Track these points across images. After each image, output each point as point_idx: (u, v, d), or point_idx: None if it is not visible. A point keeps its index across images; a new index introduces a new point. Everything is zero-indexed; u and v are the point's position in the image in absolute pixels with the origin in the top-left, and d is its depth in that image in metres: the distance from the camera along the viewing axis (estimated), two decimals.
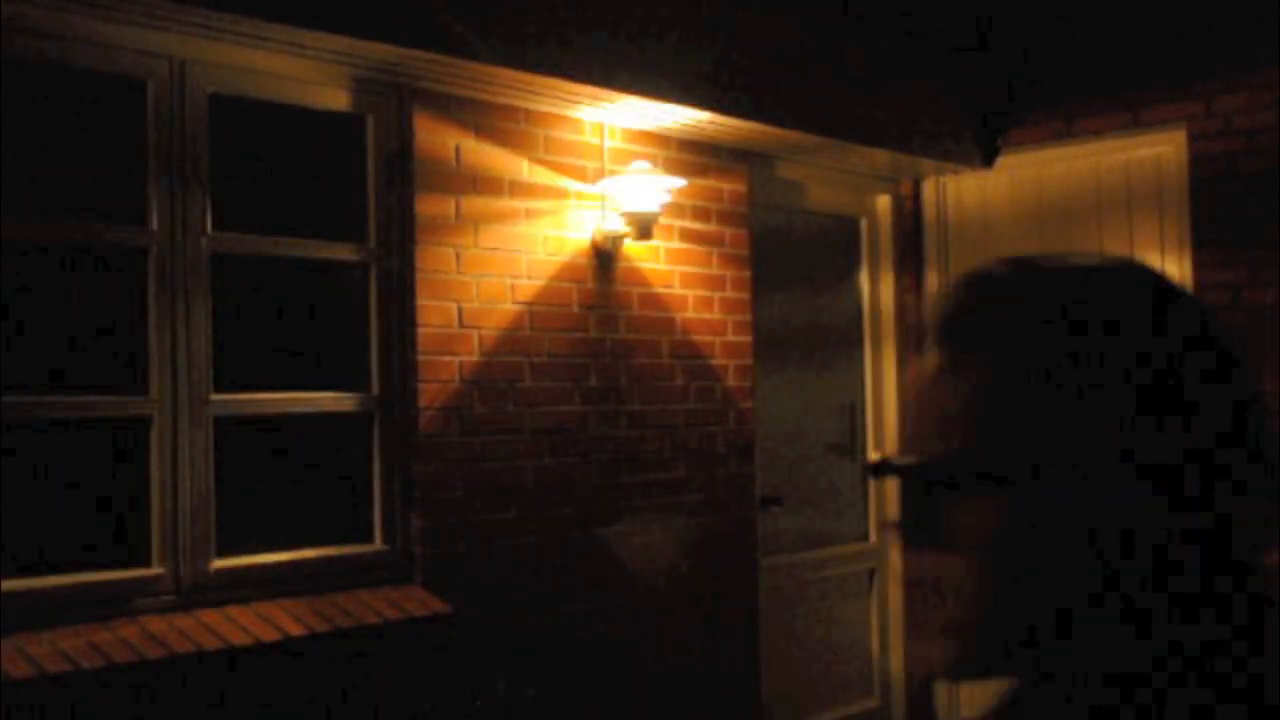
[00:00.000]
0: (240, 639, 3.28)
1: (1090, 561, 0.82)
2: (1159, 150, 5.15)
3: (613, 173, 4.36)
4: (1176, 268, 5.09)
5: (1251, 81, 4.85)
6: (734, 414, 4.89)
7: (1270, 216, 4.80)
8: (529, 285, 4.17)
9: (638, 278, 4.53)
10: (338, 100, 3.81)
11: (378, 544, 3.85)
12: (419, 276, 3.88)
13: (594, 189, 4.35)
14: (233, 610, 3.43)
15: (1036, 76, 5.48)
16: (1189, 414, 0.82)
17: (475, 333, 4.02)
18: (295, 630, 3.38)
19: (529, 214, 4.18)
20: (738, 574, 4.88)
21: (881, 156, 5.35)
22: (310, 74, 3.71)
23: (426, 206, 3.91)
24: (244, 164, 3.67)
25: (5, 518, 3.14)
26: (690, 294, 4.72)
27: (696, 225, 4.76)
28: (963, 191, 5.76)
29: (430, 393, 3.89)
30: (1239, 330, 5.01)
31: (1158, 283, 0.88)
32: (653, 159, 4.47)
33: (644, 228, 4.32)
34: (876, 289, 5.86)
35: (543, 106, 4.20)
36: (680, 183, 4.44)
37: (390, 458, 3.87)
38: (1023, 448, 0.84)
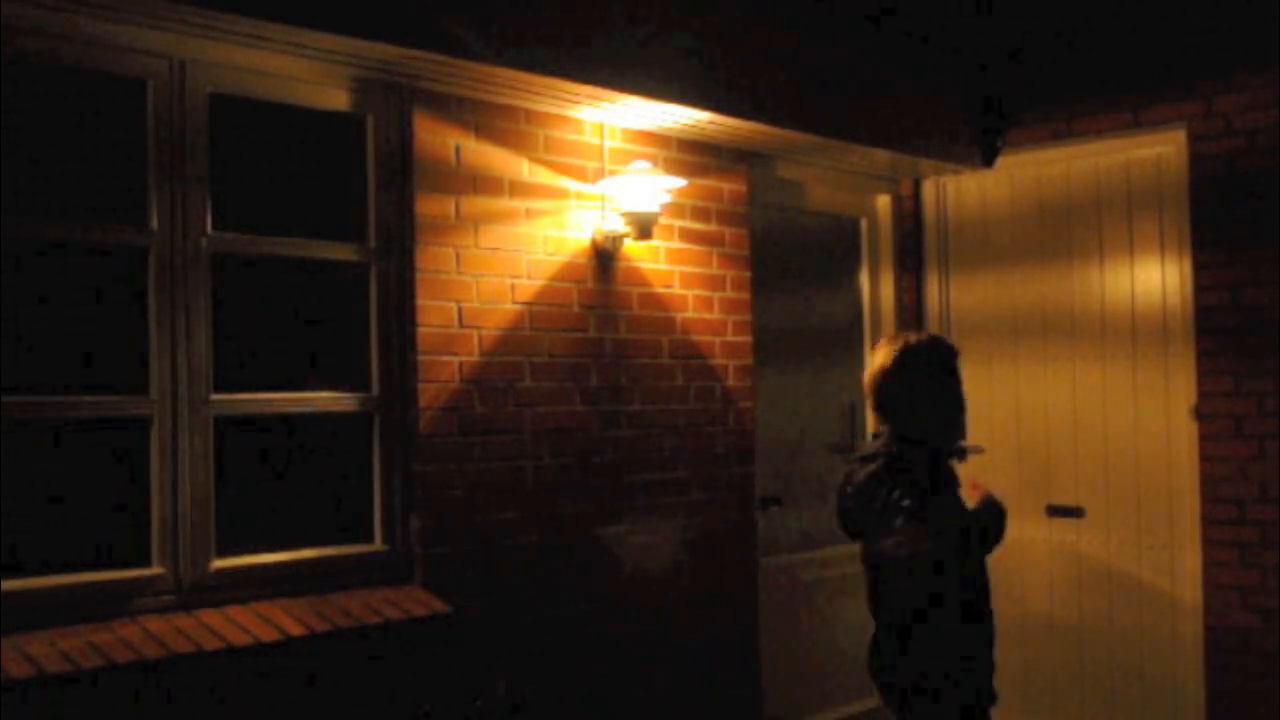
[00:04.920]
0: (240, 639, 3.28)
1: None
2: (1159, 150, 5.15)
3: (613, 173, 4.35)
4: (1176, 268, 5.10)
5: (1251, 81, 4.85)
6: (734, 414, 4.88)
7: (1270, 216, 4.80)
8: (529, 285, 4.17)
9: (638, 278, 4.53)
10: (338, 100, 3.81)
11: (378, 544, 3.85)
12: (419, 276, 3.88)
13: (594, 189, 4.35)
14: (233, 610, 3.43)
15: (1036, 76, 5.48)
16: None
17: (475, 333, 4.02)
18: (295, 630, 3.38)
19: (529, 214, 4.18)
20: (738, 574, 4.88)
21: (881, 156, 5.35)
22: (310, 74, 3.70)
23: (426, 206, 3.91)
24: (244, 164, 3.67)
25: (6, 518, 3.14)
26: (690, 294, 4.72)
27: (696, 225, 4.76)
28: (963, 191, 5.75)
29: (430, 393, 3.89)
30: (1239, 330, 5.01)
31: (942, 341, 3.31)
32: (653, 159, 4.47)
33: (644, 228, 4.32)
34: (876, 289, 5.86)
35: (543, 106, 4.20)
36: (680, 183, 4.44)
37: (390, 458, 3.87)
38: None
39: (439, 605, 3.75)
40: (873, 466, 3.14)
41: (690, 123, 4.53)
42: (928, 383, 3.15)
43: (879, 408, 3.19)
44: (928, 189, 5.85)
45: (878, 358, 3.21)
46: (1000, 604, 3.38)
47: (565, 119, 4.31)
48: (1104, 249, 5.31)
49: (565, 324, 4.28)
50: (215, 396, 3.51)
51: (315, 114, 3.78)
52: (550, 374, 4.22)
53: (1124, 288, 5.25)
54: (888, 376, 3.15)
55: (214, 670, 3.21)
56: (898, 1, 5.23)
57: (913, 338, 3.26)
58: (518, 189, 4.15)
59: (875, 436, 3.26)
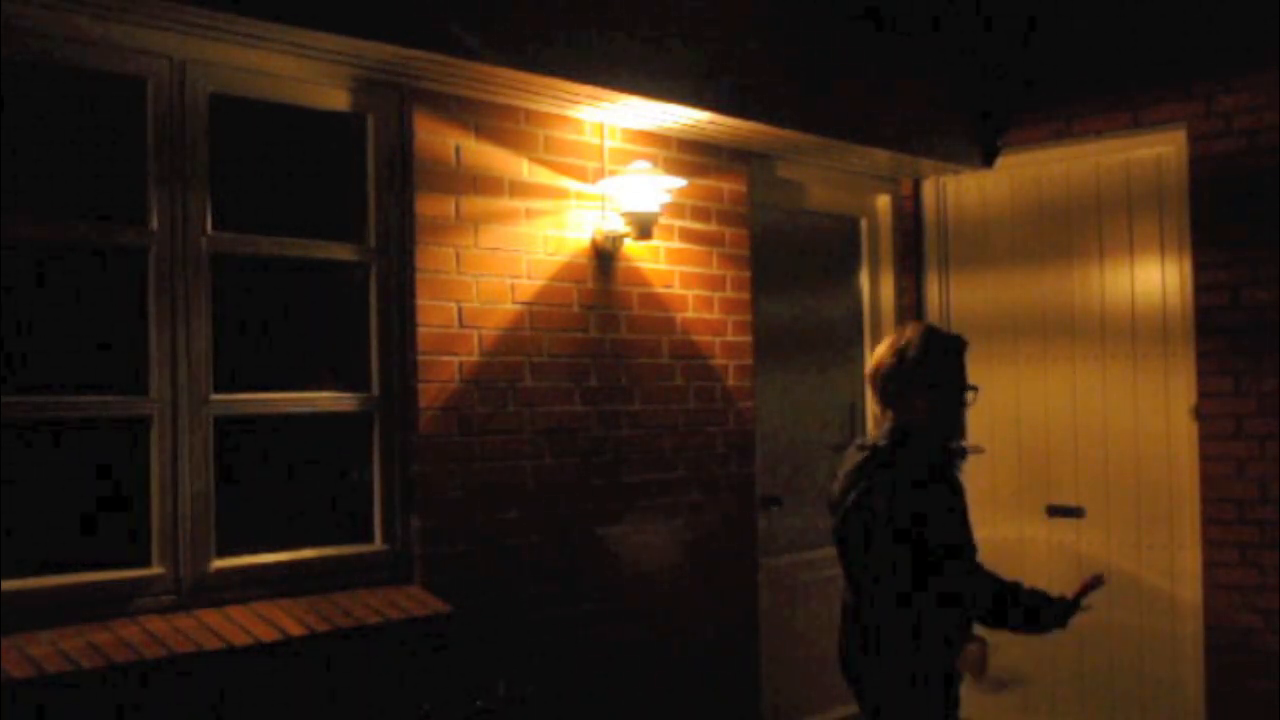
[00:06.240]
0: (240, 639, 3.28)
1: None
2: (1159, 150, 5.15)
3: (613, 173, 4.36)
4: (1176, 268, 5.10)
5: (1251, 81, 4.85)
6: (734, 414, 4.88)
7: (1270, 216, 4.80)
8: (529, 285, 4.17)
9: (638, 278, 4.53)
10: (338, 100, 3.81)
11: (378, 544, 3.85)
12: (419, 276, 3.88)
13: (594, 189, 4.35)
14: (233, 610, 3.43)
15: (1037, 76, 5.48)
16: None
17: (475, 333, 4.02)
18: (295, 630, 3.38)
19: (529, 214, 4.18)
20: (738, 574, 4.88)
21: (881, 156, 5.35)
22: (310, 74, 3.70)
23: (426, 206, 3.91)
24: (244, 164, 3.67)
25: (6, 517, 3.14)
26: (690, 294, 4.72)
27: (696, 225, 4.76)
28: (963, 191, 5.76)
29: (430, 393, 3.89)
30: (1239, 330, 5.02)
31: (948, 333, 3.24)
32: (653, 159, 4.47)
33: (644, 228, 4.32)
34: (876, 289, 5.86)
35: (543, 106, 4.20)
36: (680, 183, 4.44)
37: (390, 458, 3.87)
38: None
39: (439, 605, 3.75)
40: (860, 458, 3.11)
41: (690, 123, 4.53)
42: (932, 371, 3.11)
43: (881, 396, 3.15)
44: (928, 189, 5.85)
45: (882, 346, 3.18)
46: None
47: (565, 119, 4.31)
48: (1104, 249, 5.31)
49: (565, 324, 4.28)
50: (215, 396, 3.51)
51: (315, 114, 3.78)
52: (550, 374, 4.22)
53: (1124, 288, 5.25)
54: (892, 364, 3.11)
55: (214, 670, 3.21)
56: (898, 1, 5.23)
57: (919, 326, 3.22)
58: (518, 189, 4.15)
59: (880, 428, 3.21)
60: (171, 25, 3.28)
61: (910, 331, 3.18)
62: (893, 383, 3.11)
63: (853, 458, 3.14)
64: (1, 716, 2.83)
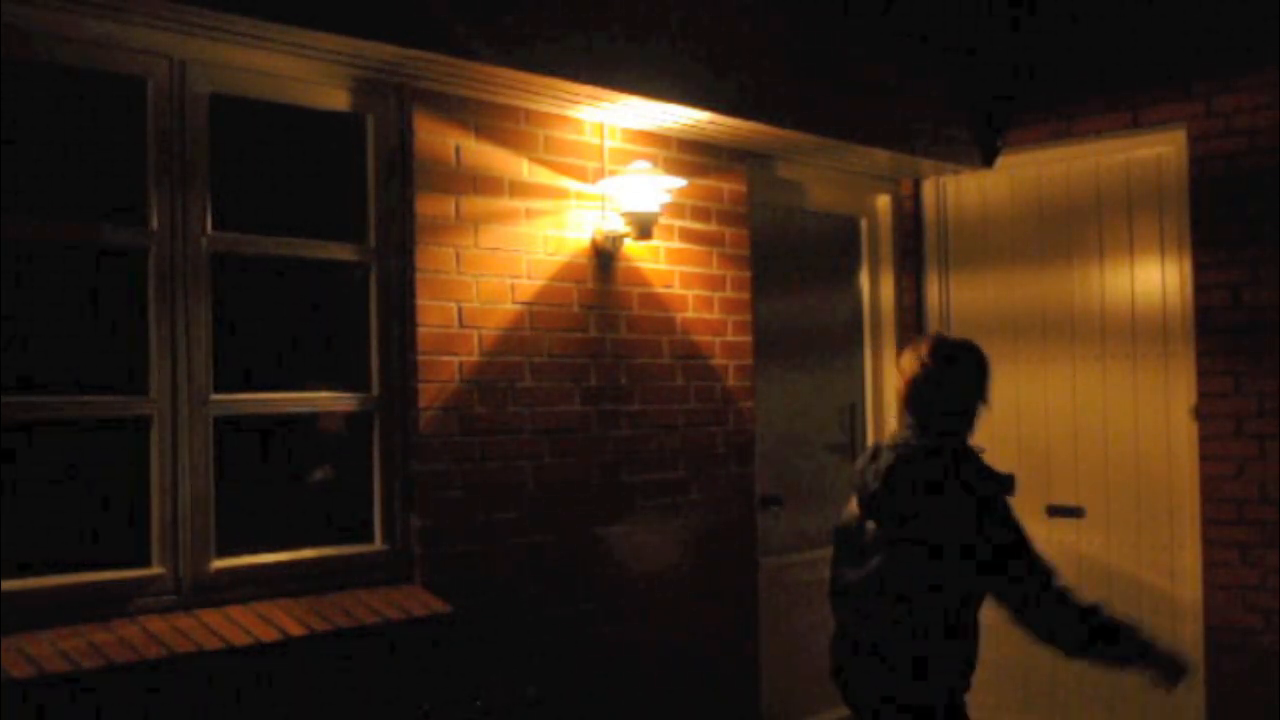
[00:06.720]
0: (240, 639, 3.28)
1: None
2: (1159, 150, 5.15)
3: (613, 173, 4.36)
4: (1176, 268, 5.10)
5: (1251, 81, 4.85)
6: (734, 414, 4.88)
7: (1270, 216, 4.80)
8: (529, 285, 4.17)
9: (638, 278, 4.53)
10: (338, 100, 3.81)
11: (377, 544, 3.85)
12: (419, 276, 3.88)
13: (594, 189, 4.35)
14: (233, 610, 3.43)
15: (1037, 76, 5.48)
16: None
17: (475, 333, 4.02)
18: (295, 630, 3.38)
19: (529, 214, 4.18)
20: (738, 574, 4.88)
21: (881, 156, 5.35)
22: (310, 74, 3.71)
23: (426, 206, 3.91)
24: (244, 164, 3.67)
25: (5, 518, 3.14)
26: (690, 294, 4.72)
27: (696, 225, 4.76)
28: (963, 191, 5.76)
29: (430, 393, 3.89)
30: (1239, 330, 5.00)
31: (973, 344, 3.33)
32: (653, 159, 4.47)
33: (644, 228, 4.32)
34: (876, 289, 5.86)
35: (543, 106, 4.20)
36: (680, 183, 4.44)
37: (390, 458, 3.87)
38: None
39: (439, 605, 3.75)
40: (893, 457, 3.13)
41: (690, 123, 4.53)
42: (953, 380, 3.17)
43: (910, 405, 3.19)
44: (928, 189, 5.85)
45: (908, 353, 3.23)
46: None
47: (565, 119, 4.31)
48: (1104, 249, 5.31)
49: (565, 324, 4.28)
50: (215, 396, 3.51)
51: (315, 114, 3.79)
52: (550, 374, 4.22)
53: (1124, 288, 5.25)
54: (917, 372, 3.16)
55: (214, 670, 3.21)
56: (899, 1, 5.23)
57: (950, 337, 3.30)
58: (518, 189, 4.15)
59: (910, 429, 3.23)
60: (171, 25, 3.28)
61: (933, 341, 3.26)
62: (917, 391, 3.17)
63: (884, 458, 3.15)
64: (1, 716, 2.83)
